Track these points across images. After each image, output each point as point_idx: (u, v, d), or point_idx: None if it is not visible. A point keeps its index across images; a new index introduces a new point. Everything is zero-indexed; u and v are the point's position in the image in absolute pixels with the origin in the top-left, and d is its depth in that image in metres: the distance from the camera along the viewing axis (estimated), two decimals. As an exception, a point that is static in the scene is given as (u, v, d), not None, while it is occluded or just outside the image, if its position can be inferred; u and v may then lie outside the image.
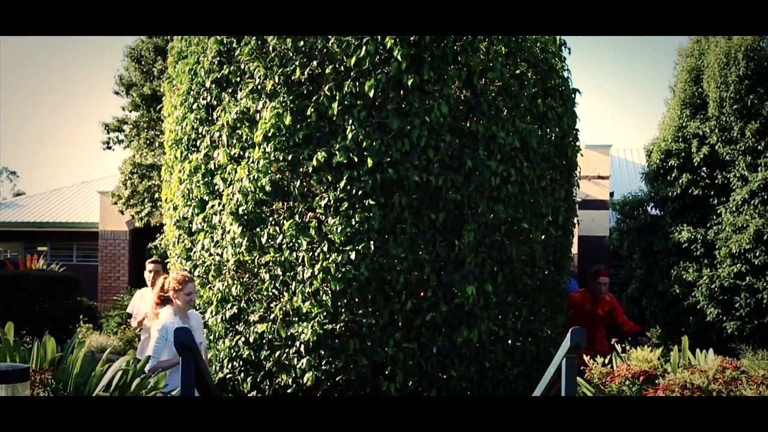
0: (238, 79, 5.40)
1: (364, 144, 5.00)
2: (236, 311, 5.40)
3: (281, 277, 5.18)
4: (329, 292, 5.04)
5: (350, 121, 5.02)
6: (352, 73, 5.07)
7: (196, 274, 5.64)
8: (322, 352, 5.09)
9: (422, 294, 5.10)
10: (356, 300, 5.08)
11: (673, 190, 8.80)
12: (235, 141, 5.36)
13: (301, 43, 5.19)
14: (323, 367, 5.10)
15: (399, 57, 4.99)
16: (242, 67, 5.37)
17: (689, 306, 8.40)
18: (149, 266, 6.36)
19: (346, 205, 5.04)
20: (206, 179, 5.58)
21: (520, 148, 5.36)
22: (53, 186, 39.71)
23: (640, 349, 4.12)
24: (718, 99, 8.59)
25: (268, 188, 5.16)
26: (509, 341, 5.38)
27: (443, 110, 5.05)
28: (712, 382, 3.63)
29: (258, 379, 5.38)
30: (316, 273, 5.03)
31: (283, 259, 5.14)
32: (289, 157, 5.13)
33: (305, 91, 5.16)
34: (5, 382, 2.22)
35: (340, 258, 4.98)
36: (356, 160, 5.01)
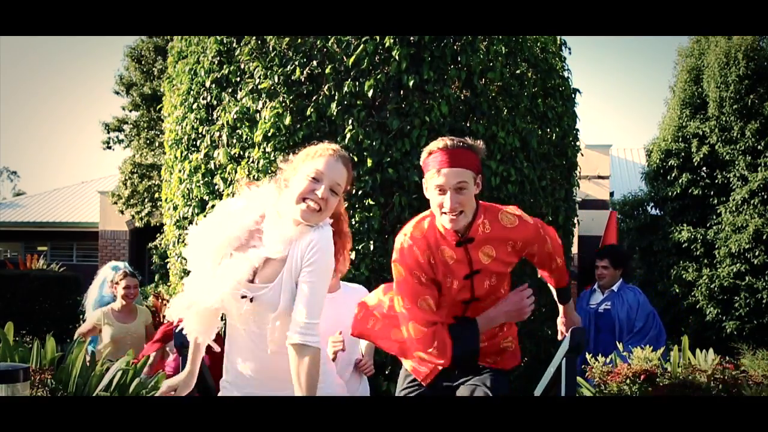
0: (238, 79, 5.40)
1: (364, 144, 5.00)
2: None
3: (281, 277, 5.18)
4: (329, 292, 5.04)
5: (350, 121, 5.02)
6: (351, 73, 5.07)
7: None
8: (322, 352, 5.09)
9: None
10: (356, 300, 5.08)
11: (673, 190, 8.81)
12: (235, 141, 5.36)
13: (301, 42, 5.19)
14: (323, 367, 5.09)
15: (398, 57, 4.98)
16: (242, 67, 5.37)
17: (689, 306, 8.41)
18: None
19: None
20: (206, 179, 5.58)
21: (520, 148, 5.36)
22: (53, 186, 39.72)
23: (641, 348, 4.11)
24: (718, 99, 8.60)
25: (268, 188, 5.15)
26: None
27: (443, 110, 5.05)
28: (712, 382, 3.63)
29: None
30: (316, 273, 5.02)
31: (283, 259, 5.14)
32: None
33: (305, 91, 5.16)
34: (5, 382, 2.21)
35: (340, 258, 4.98)
36: (356, 160, 5.01)
